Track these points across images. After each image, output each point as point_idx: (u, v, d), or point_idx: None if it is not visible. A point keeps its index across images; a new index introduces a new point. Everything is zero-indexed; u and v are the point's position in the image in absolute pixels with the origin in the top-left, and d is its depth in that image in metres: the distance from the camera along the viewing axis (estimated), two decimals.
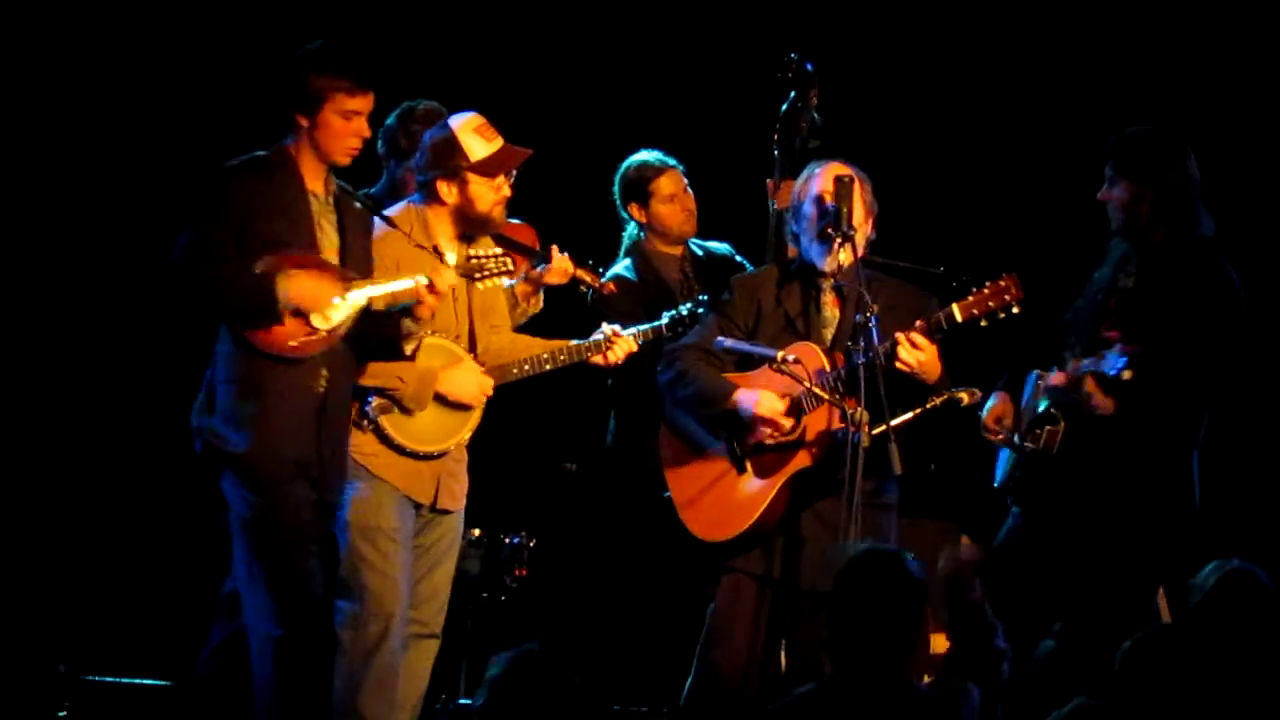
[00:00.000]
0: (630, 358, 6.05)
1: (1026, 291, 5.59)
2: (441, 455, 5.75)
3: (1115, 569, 5.64)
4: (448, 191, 5.77)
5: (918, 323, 5.59)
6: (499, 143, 5.78)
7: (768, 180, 6.39)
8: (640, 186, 6.74)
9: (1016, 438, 5.76)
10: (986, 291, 5.58)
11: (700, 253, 6.83)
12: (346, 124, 5.45)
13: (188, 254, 5.33)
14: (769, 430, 5.67)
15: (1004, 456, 5.87)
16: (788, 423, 5.69)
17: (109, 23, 7.55)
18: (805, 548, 5.66)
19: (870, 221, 5.80)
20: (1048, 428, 5.68)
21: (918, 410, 5.66)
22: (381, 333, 5.54)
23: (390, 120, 6.25)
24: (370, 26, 7.61)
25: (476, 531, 6.68)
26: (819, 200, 5.73)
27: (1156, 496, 5.65)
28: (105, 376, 7.60)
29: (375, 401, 5.66)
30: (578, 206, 7.04)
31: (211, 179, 5.42)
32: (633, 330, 6.06)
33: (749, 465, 5.76)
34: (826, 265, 5.74)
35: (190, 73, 7.60)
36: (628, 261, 6.76)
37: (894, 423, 5.48)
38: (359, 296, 5.42)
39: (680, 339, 6.03)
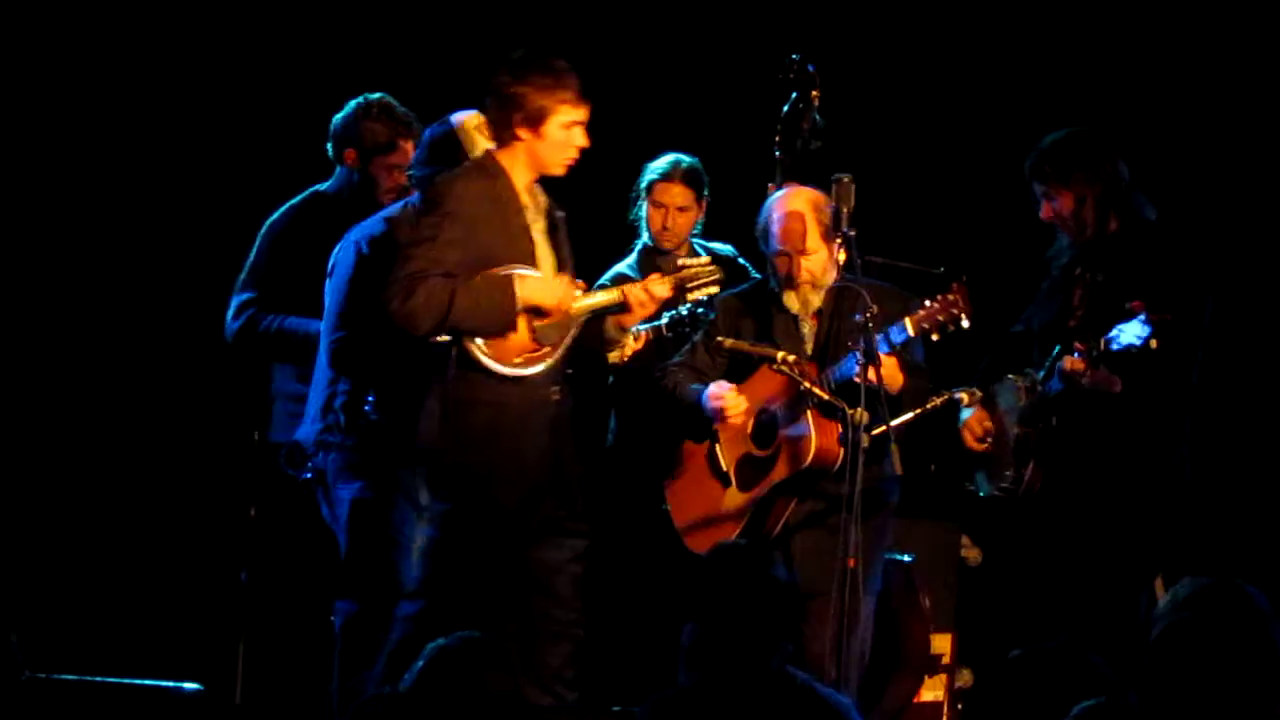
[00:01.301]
0: (634, 356, 6.07)
1: (1021, 299, 5.60)
2: None
3: (1110, 563, 5.64)
4: None
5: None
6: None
7: (769, 185, 6.34)
8: (643, 182, 6.73)
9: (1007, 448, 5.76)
10: (935, 305, 5.58)
11: (704, 253, 6.82)
12: (568, 134, 5.48)
13: (420, 276, 5.31)
14: (723, 410, 5.70)
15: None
16: (739, 403, 5.72)
17: (111, 23, 7.55)
18: (798, 552, 5.68)
19: (835, 244, 5.79)
20: (1040, 425, 5.67)
21: (917, 411, 5.67)
22: (591, 338, 5.60)
23: (346, 117, 6.16)
24: (368, 26, 7.62)
25: None
26: (778, 249, 5.77)
27: (1151, 482, 5.64)
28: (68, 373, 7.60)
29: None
30: (572, 209, 7.02)
31: (438, 188, 5.43)
32: (633, 330, 6.06)
33: (733, 479, 5.83)
34: (792, 306, 5.79)
35: (192, 72, 7.61)
36: (631, 259, 6.75)
37: (894, 423, 5.49)
38: (581, 309, 5.50)
39: (681, 338, 6.05)
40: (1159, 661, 3.77)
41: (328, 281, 5.85)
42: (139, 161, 7.56)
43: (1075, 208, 5.72)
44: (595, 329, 5.59)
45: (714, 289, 5.76)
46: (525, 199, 5.52)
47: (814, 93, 6.30)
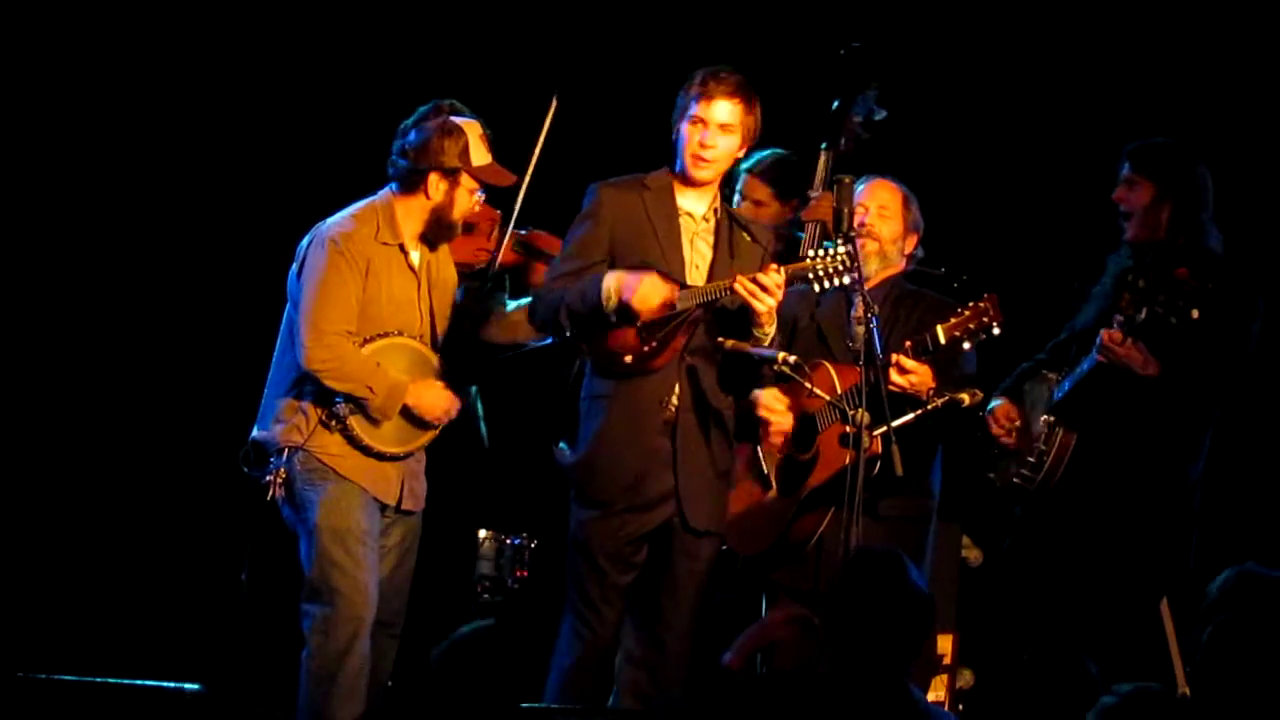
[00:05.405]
0: None
1: (1040, 301, 5.57)
2: (407, 457, 5.79)
3: (1123, 574, 5.64)
4: (436, 187, 5.75)
5: (905, 343, 5.65)
6: (489, 157, 5.81)
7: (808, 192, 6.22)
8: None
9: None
10: (967, 313, 5.64)
11: None
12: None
13: (552, 269, 5.64)
14: (769, 424, 5.73)
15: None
16: (787, 419, 5.74)
17: (116, 24, 7.57)
18: (826, 556, 5.72)
19: (912, 239, 5.99)
20: (1060, 432, 5.69)
21: (919, 411, 5.68)
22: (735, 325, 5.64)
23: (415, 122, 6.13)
24: (363, 30, 7.62)
25: (484, 533, 6.71)
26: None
27: (1161, 502, 5.65)
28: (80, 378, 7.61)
29: (344, 403, 5.66)
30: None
31: (588, 194, 5.66)
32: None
33: (774, 482, 5.85)
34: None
35: (196, 73, 7.62)
36: None
37: (895, 424, 5.49)
38: (684, 302, 5.55)
39: None
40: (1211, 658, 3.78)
41: (292, 268, 5.82)
42: (141, 163, 7.58)
43: (1149, 204, 5.77)
44: (740, 318, 5.63)
45: (846, 278, 5.57)
46: (687, 209, 5.67)
47: (874, 83, 6.20)
